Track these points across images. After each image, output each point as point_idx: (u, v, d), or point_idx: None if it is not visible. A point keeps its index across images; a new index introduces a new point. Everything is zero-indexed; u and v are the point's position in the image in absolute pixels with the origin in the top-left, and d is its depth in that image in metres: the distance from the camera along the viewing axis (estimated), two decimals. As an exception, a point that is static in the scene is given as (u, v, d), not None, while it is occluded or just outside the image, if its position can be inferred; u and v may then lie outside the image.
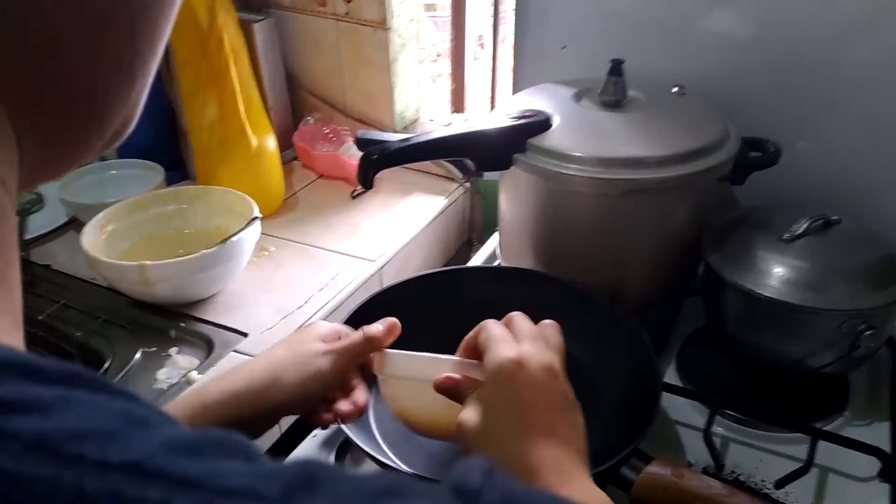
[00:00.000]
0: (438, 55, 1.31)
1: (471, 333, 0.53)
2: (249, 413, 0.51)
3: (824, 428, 0.67)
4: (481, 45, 1.31)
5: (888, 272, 0.67)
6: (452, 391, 0.50)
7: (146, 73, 0.25)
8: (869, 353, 0.67)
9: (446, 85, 1.24)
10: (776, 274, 0.68)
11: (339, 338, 0.56)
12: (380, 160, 0.68)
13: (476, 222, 1.17)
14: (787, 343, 0.69)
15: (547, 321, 0.51)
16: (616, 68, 0.76)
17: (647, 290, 0.80)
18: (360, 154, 1.08)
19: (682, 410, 0.71)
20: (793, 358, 0.70)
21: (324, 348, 0.54)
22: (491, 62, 1.17)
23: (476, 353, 0.51)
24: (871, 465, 0.63)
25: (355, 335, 0.55)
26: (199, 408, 0.50)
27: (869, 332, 0.64)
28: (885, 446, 0.64)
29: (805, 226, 0.70)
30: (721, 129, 0.75)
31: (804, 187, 0.84)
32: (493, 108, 1.18)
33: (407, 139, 0.70)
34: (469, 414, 0.47)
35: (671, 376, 0.76)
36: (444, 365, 0.52)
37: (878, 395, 0.72)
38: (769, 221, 0.73)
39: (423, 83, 1.20)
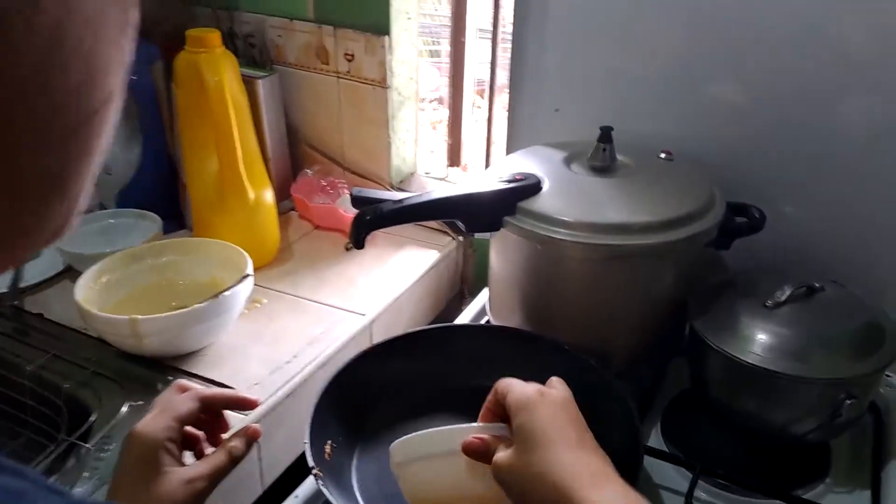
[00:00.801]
0: (440, 102, 1.33)
1: (489, 397, 0.54)
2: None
3: (806, 496, 0.67)
4: (481, 94, 1.34)
5: (870, 341, 0.68)
6: (483, 452, 0.51)
7: (79, 183, 0.24)
8: (850, 421, 0.68)
9: (445, 132, 1.26)
10: (759, 340, 0.69)
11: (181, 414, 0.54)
12: (372, 221, 0.70)
13: (468, 275, 1.18)
14: (769, 409, 0.70)
15: (554, 377, 0.54)
16: (605, 135, 0.79)
17: (634, 352, 0.80)
18: (352, 203, 1.11)
19: (665, 474, 0.71)
20: (775, 424, 0.70)
21: (185, 491, 0.51)
22: (487, 115, 1.20)
23: (496, 416, 0.53)
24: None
25: (218, 458, 0.54)
26: None
27: (850, 402, 0.65)
28: (868, 516, 0.64)
29: (789, 293, 0.71)
30: (707, 195, 0.77)
31: (791, 251, 0.86)
32: (488, 163, 1.21)
33: (399, 201, 0.72)
34: (502, 453, 0.49)
35: (655, 439, 0.76)
36: (467, 432, 0.52)
37: (860, 463, 0.72)
38: (754, 287, 0.74)
39: (421, 138, 1.23)
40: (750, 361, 0.67)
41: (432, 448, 0.54)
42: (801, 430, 0.68)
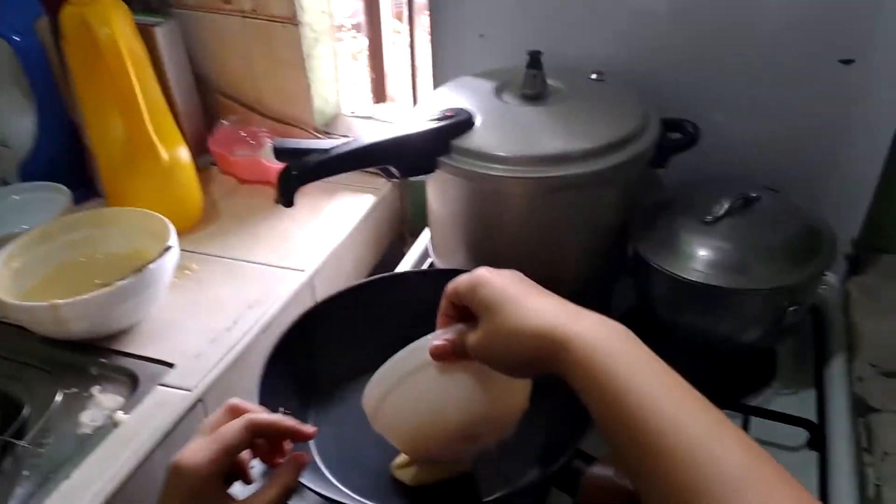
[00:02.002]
0: (358, 29, 1.25)
1: (442, 303, 0.52)
2: None
3: (754, 402, 0.69)
4: (399, 17, 1.27)
5: (808, 246, 0.69)
6: (452, 350, 0.49)
7: None
8: (794, 326, 0.70)
9: (362, 63, 1.19)
10: (701, 257, 0.69)
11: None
12: (299, 177, 0.65)
13: (407, 217, 1.15)
14: (715, 322, 0.71)
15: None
16: (534, 61, 0.75)
17: (581, 279, 0.80)
18: (274, 156, 1.05)
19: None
20: (721, 336, 0.71)
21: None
22: (409, 41, 1.14)
23: (454, 321, 0.51)
24: (801, 434, 0.65)
25: (271, 493, 0.49)
26: None
27: (793, 308, 0.67)
28: (812, 416, 0.67)
29: (726, 206, 0.71)
30: (641, 114, 0.75)
31: (725, 162, 0.86)
32: (415, 95, 1.16)
33: (326, 152, 0.68)
34: (472, 335, 0.48)
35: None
36: (429, 342, 0.51)
37: (803, 364, 0.74)
38: (692, 203, 0.74)
39: (342, 74, 1.17)
40: (693, 279, 0.67)
41: (401, 371, 0.52)
42: (747, 338, 0.70)
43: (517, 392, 0.53)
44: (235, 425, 0.49)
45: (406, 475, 0.60)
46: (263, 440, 0.53)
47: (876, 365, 0.70)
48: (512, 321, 0.45)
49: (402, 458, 0.61)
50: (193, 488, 0.46)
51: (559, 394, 0.65)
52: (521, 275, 0.49)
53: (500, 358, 0.47)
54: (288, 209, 1.02)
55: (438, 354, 0.50)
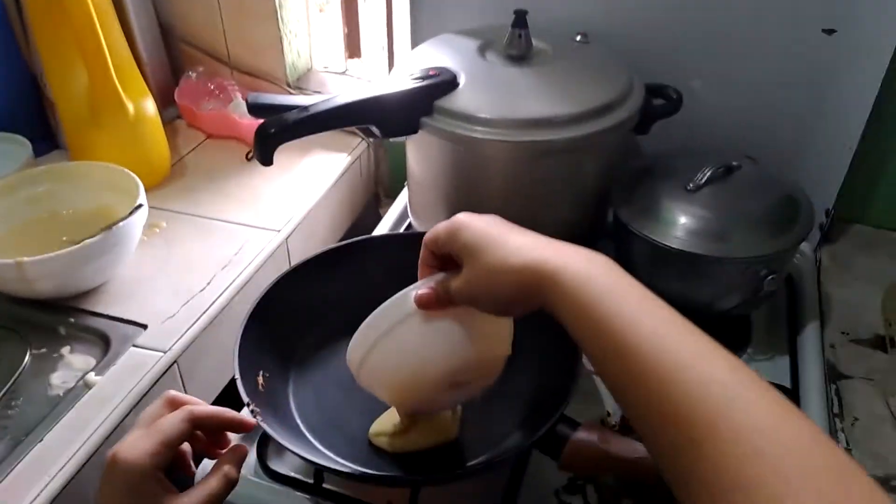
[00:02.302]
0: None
1: (422, 254, 0.52)
2: None
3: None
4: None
5: (787, 215, 0.70)
6: (435, 297, 0.49)
7: None
8: (771, 294, 0.71)
9: (336, 16, 1.15)
10: (681, 224, 0.69)
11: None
12: (277, 135, 0.63)
13: (382, 177, 1.13)
14: (694, 289, 0.72)
15: None
16: (520, 20, 0.73)
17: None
18: (249, 112, 1.02)
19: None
20: (700, 302, 0.72)
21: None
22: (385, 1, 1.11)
23: (434, 270, 0.51)
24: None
25: (213, 485, 0.48)
26: None
27: (771, 277, 0.67)
28: (787, 381, 0.68)
29: (708, 174, 0.71)
30: (626, 79, 0.74)
31: (704, 130, 0.86)
32: (390, 51, 1.12)
33: (305, 109, 0.65)
34: (455, 280, 0.47)
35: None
36: (411, 292, 0.50)
37: (777, 331, 0.76)
38: (674, 170, 0.74)
39: (314, 27, 1.13)
40: (674, 246, 0.68)
41: (384, 324, 0.51)
42: (725, 305, 0.71)
43: (501, 338, 0.54)
44: (175, 417, 0.48)
45: (384, 442, 0.60)
46: (201, 433, 0.52)
47: (846, 332, 0.72)
48: (496, 260, 0.44)
49: (379, 425, 0.61)
50: (131, 482, 0.45)
51: (545, 359, 0.66)
52: (499, 217, 0.49)
53: (485, 298, 0.47)
54: (259, 167, 0.99)
55: (423, 302, 0.49)
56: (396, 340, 0.52)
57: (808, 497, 0.29)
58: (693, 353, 0.36)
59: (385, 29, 1.13)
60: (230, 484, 0.49)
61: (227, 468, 0.49)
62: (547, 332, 0.67)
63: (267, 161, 0.64)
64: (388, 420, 0.61)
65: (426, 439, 0.60)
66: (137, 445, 0.45)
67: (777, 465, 0.30)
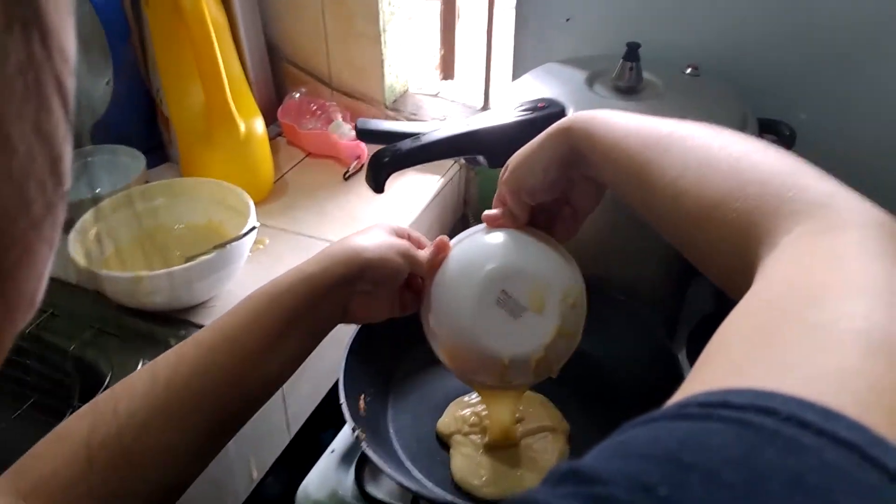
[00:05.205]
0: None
1: (495, 198, 0.57)
2: (322, 296, 0.53)
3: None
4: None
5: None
6: (499, 216, 0.56)
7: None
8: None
9: (430, 37, 1.16)
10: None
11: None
12: (391, 164, 0.64)
13: (471, 198, 1.13)
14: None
15: None
16: (632, 52, 0.73)
17: (658, 280, 0.78)
18: (349, 132, 1.04)
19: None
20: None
21: (403, 247, 0.55)
22: (487, 15, 1.11)
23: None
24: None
25: (423, 254, 0.57)
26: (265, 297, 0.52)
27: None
28: None
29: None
30: (739, 115, 0.72)
31: (818, 164, 0.83)
32: (487, 74, 1.13)
33: (417, 138, 0.66)
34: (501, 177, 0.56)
35: (682, 364, 0.76)
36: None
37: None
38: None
39: (413, 51, 1.15)
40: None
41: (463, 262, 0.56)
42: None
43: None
44: (400, 256, 0.55)
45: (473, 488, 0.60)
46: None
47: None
48: (531, 143, 0.54)
49: (462, 472, 0.61)
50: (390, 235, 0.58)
51: (637, 391, 0.64)
52: None
53: (528, 172, 0.53)
54: (354, 187, 1.02)
55: (489, 218, 0.57)
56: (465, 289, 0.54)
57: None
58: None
59: (485, 52, 1.13)
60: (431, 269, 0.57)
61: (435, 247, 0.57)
62: (644, 360, 0.66)
63: (379, 188, 0.65)
64: (471, 468, 0.61)
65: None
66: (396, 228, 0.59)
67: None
